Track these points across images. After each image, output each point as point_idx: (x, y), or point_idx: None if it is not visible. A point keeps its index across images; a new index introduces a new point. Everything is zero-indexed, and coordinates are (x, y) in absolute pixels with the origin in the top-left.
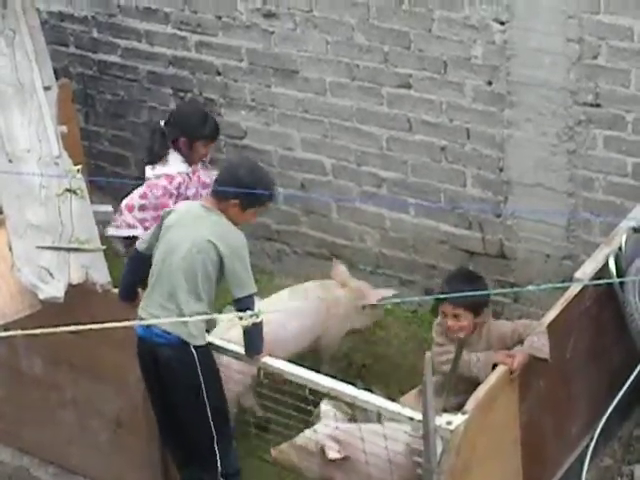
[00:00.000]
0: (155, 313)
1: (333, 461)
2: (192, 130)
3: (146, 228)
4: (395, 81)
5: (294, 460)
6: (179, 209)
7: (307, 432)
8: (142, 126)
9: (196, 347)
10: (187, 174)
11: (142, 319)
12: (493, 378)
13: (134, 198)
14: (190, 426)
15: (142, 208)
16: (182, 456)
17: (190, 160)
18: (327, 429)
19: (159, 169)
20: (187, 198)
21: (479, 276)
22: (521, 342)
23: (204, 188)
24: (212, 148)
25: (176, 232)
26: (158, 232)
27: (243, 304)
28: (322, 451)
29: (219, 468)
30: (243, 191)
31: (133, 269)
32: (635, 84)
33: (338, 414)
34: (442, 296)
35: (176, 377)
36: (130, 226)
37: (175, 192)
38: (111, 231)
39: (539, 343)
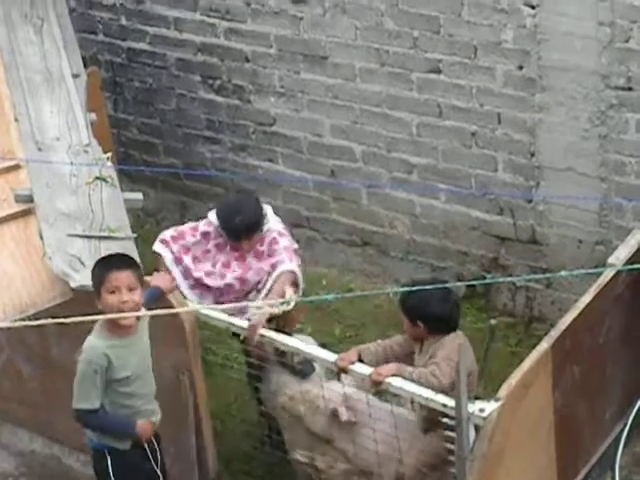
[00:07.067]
0: None
1: (341, 423)
2: None
3: None
4: (425, 66)
5: (301, 410)
6: None
7: (317, 389)
8: (171, 113)
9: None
10: None
11: None
12: (527, 364)
13: None
14: None
15: None
16: None
17: None
18: (339, 389)
19: None
20: None
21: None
22: None
23: None
24: None
25: None
26: None
27: None
28: (333, 413)
29: None
30: None
31: None
32: None
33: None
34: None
35: None
36: None
37: None
38: None
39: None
